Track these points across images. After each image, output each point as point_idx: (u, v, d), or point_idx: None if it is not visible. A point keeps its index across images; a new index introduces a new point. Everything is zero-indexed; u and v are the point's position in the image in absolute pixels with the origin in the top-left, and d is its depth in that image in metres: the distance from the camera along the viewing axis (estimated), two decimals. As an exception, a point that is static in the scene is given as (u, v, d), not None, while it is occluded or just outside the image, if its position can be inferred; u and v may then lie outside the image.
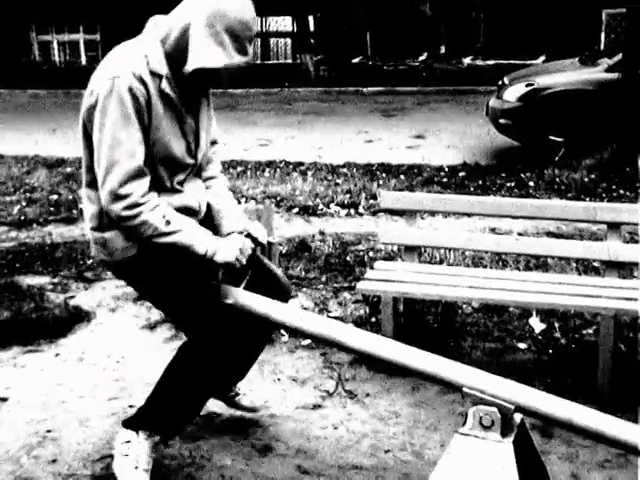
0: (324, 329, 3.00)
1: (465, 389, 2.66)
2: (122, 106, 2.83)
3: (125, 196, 2.87)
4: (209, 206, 3.27)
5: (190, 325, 3.20)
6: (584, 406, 2.59)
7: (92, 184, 3.03)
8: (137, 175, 2.89)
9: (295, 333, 4.43)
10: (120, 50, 2.96)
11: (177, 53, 2.90)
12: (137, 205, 2.89)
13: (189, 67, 2.86)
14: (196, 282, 3.09)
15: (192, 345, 3.15)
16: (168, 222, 2.95)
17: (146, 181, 2.93)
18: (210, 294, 3.10)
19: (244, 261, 3.15)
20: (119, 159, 2.85)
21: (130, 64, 2.86)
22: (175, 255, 3.03)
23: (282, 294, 3.39)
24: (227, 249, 3.09)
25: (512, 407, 2.59)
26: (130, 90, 2.83)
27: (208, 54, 2.84)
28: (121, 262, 3.09)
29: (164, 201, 3.00)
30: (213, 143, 3.36)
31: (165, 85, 2.92)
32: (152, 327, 4.94)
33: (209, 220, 3.25)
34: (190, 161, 3.10)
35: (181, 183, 3.11)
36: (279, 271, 3.51)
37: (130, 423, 3.25)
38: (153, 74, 2.90)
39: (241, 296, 3.11)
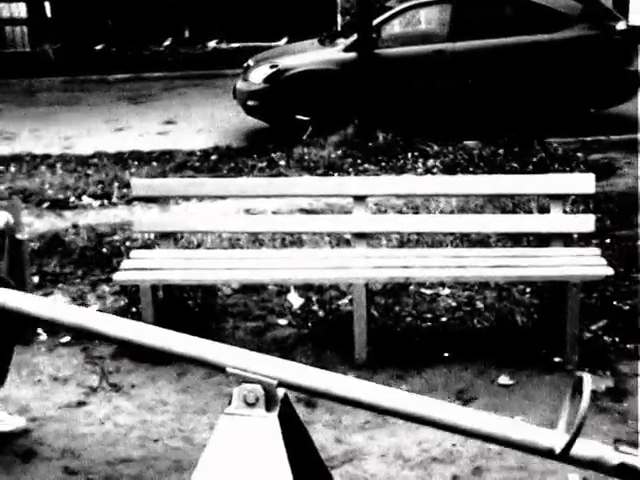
0: (82, 319, 2.88)
1: (228, 369, 2.69)
2: None
3: None
4: None
5: None
6: (342, 375, 2.70)
7: None
8: None
9: (54, 330, 4.32)
10: None
11: None
12: None
13: None
14: None
15: None
16: None
17: None
18: None
19: None
20: None
21: None
22: None
23: None
24: None
25: (275, 382, 2.65)
26: None
27: None
28: None
29: None
30: None
31: None
32: None
33: None
34: None
35: None
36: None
37: None
38: None
39: None
